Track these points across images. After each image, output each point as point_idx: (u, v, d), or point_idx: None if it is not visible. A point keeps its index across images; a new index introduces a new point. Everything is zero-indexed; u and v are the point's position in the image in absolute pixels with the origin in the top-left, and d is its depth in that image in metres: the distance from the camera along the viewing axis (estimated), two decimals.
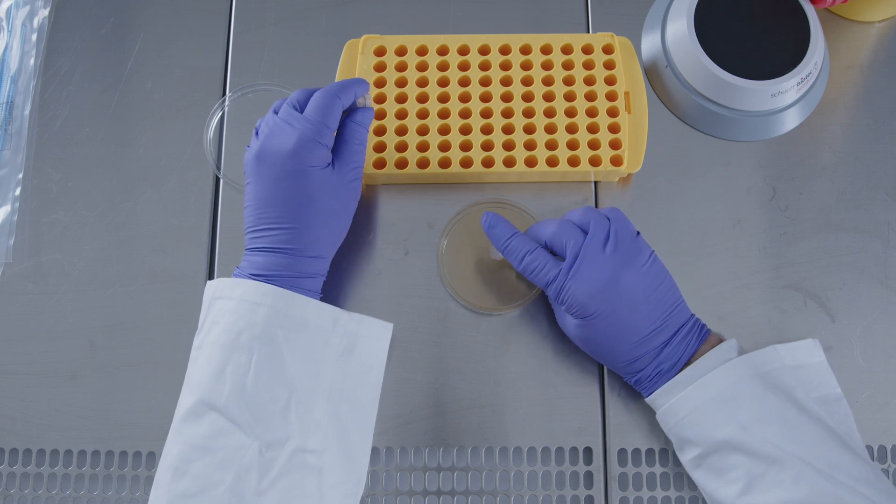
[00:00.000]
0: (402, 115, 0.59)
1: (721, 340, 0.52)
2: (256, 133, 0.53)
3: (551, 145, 0.59)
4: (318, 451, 0.49)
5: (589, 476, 0.56)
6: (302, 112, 0.51)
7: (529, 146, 0.59)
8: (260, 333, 0.49)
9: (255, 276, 0.51)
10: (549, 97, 0.60)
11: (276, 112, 0.52)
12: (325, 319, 0.51)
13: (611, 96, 0.60)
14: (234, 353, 0.48)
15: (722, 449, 0.49)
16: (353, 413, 0.52)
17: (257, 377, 0.48)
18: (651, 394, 0.53)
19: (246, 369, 0.48)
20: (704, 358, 0.51)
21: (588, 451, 0.56)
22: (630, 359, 0.52)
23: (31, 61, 0.65)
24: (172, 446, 0.47)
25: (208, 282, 0.53)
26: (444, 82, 0.60)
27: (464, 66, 0.61)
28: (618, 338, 0.51)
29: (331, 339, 0.51)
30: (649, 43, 0.64)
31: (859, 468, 0.48)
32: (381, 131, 0.59)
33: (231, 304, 0.50)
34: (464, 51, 0.61)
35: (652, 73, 0.64)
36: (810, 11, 0.61)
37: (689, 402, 0.50)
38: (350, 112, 0.54)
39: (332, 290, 0.58)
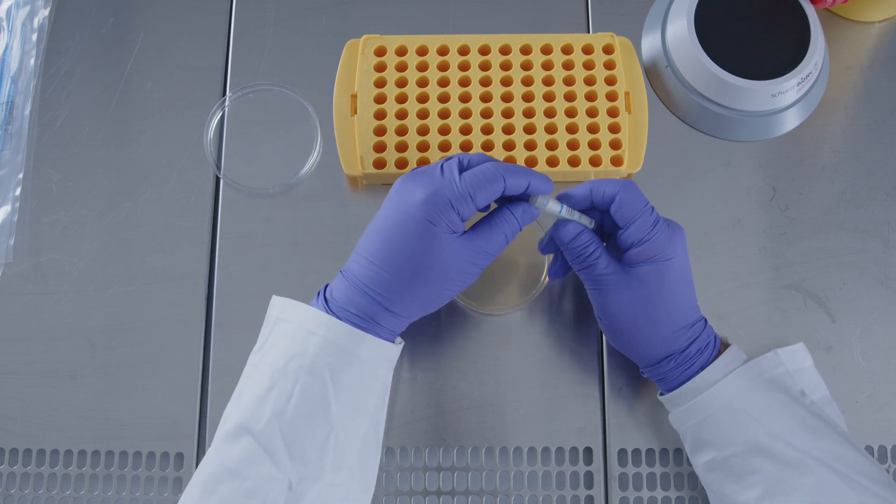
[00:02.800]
0: (402, 115, 0.59)
1: (724, 344, 0.53)
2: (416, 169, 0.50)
3: (551, 145, 0.59)
4: (345, 483, 0.48)
5: (589, 476, 0.56)
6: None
7: (529, 146, 0.59)
8: (308, 364, 0.47)
9: (329, 302, 0.49)
10: (549, 97, 0.60)
11: (447, 159, 0.50)
12: (377, 354, 0.49)
13: (611, 96, 0.60)
14: (279, 379, 0.47)
15: (744, 453, 0.49)
16: (376, 436, 0.51)
17: (297, 410, 0.46)
18: (672, 391, 0.52)
19: (287, 399, 0.46)
20: (718, 362, 0.51)
21: (588, 451, 0.56)
22: (685, 325, 0.51)
23: (31, 61, 0.65)
24: (208, 462, 0.47)
25: (274, 297, 0.51)
26: (444, 82, 0.60)
27: (464, 66, 0.61)
28: (682, 296, 0.50)
29: (379, 374, 0.50)
30: (649, 43, 0.64)
31: (874, 469, 0.48)
32: (381, 131, 0.59)
33: (290, 327, 0.49)
34: (464, 51, 0.61)
35: (652, 73, 0.64)
36: (810, 11, 0.61)
37: (710, 405, 0.50)
38: (515, 201, 0.50)
39: None
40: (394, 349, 0.50)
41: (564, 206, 0.51)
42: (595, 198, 0.50)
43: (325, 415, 0.47)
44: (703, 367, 0.51)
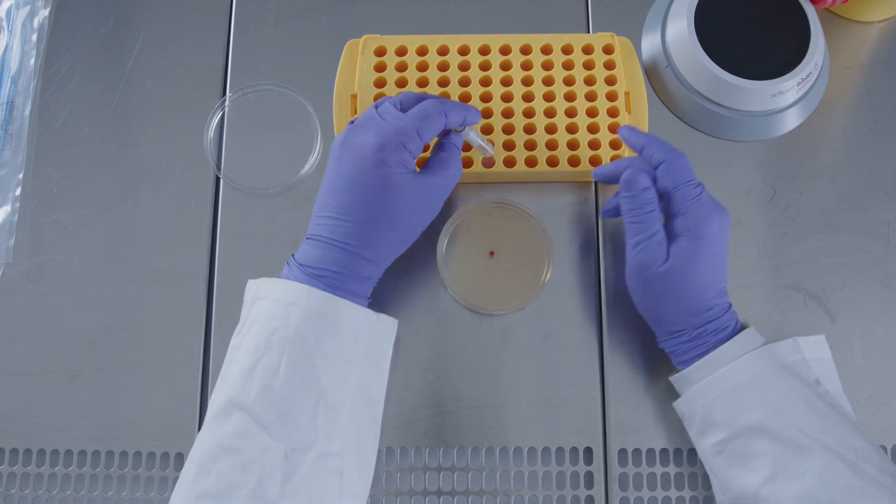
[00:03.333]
0: None
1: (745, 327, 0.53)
2: (352, 123, 0.53)
3: (551, 145, 0.59)
4: (339, 454, 0.48)
5: (589, 476, 0.56)
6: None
7: (529, 146, 0.59)
8: (292, 334, 0.48)
9: (304, 267, 0.50)
10: (549, 97, 0.60)
11: (377, 107, 0.52)
12: (358, 321, 0.51)
13: (611, 96, 0.60)
14: (265, 353, 0.48)
15: (749, 433, 0.49)
16: (369, 411, 0.52)
17: (287, 379, 0.47)
18: (689, 365, 0.52)
19: (275, 370, 0.47)
20: (733, 342, 0.51)
21: (588, 451, 0.56)
22: (703, 308, 0.51)
23: (32, 61, 0.65)
24: (200, 443, 0.47)
25: (249, 281, 0.53)
26: (444, 82, 0.60)
27: (464, 67, 0.61)
28: (706, 277, 0.51)
29: (360, 340, 0.51)
30: (649, 43, 0.64)
31: (883, 460, 0.48)
32: None
33: (269, 303, 0.50)
34: (464, 51, 0.61)
35: (652, 73, 0.64)
36: (810, 11, 0.61)
37: (721, 384, 0.50)
38: (448, 133, 0.54)
39: None
40: (373, 317, 0.52)
41: (480, 137, 0.56)
42: (645, 154, 0.53)
43: (314, 382, 0.48)
44: (717, 346, 0.51)
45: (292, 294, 0.49)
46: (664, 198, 0.52)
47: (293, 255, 0.52)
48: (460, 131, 0.54)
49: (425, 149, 0.57)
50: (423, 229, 0.54)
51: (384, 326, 0.53)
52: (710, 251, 0.51)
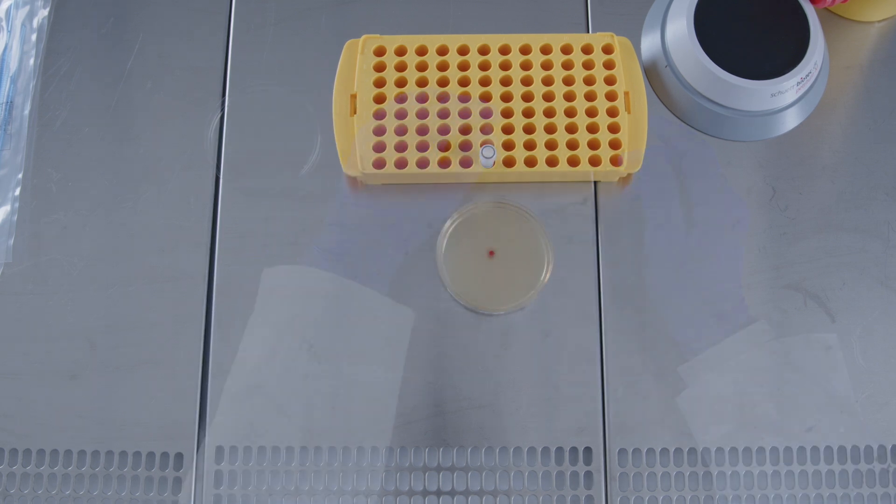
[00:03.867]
0: (401, 114, 0.59)
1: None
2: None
3: (551, 145, 0.59)
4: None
5: (589, 476, 0.56)
6: None
7: (529, 146, 0.59)
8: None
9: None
10: (548, 97, 0.60)
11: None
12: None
13: (610, 96, 0.60)
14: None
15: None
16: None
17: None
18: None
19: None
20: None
21: (588, 451, 0.56)
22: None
23: (31, 61, 0.65)
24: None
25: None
26: (443, 82, 0.60)
27: (463, 66, 0.61)
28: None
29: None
30: (649, 43, 0.64)
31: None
32: (380, 131, 0.59)
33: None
34: (463, 51, 0.61)
35: (652, 73, 0.64)
36: (810, 11, 0.61)
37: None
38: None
39: None
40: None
41: (493, 152, 0.56)
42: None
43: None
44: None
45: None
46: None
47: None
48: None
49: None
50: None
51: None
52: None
